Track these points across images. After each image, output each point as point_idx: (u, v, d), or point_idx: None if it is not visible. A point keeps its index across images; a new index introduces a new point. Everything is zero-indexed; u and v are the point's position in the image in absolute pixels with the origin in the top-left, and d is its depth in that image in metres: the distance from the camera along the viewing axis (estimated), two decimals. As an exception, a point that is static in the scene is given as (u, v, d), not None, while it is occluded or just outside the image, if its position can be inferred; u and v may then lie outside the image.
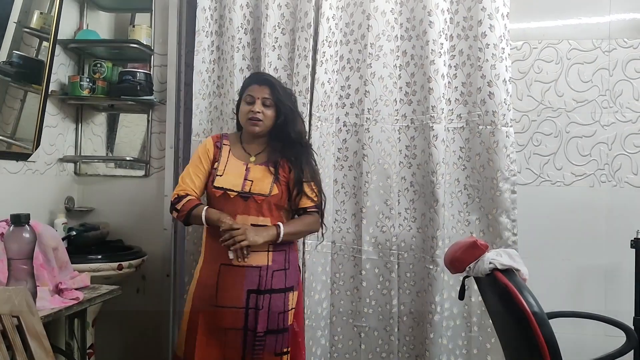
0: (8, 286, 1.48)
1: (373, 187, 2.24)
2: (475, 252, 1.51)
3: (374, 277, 2.25)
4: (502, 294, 1.43)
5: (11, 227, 1.49)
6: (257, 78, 2.01)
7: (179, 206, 1.88)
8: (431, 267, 2.16)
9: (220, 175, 1.90)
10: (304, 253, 2.21)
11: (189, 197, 1.90)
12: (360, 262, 2.25)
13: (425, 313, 2.18)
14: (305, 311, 2.14)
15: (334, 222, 2.28)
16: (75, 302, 1.74)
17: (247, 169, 1.92)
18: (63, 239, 2.22)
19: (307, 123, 2.20)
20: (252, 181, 1.89)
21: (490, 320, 2.12)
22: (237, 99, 2.20)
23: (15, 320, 1.34)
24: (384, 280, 2.24)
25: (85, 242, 2.34)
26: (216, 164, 1.94)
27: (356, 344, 2.26)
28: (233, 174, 1.91)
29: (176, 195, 1.91)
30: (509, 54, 2.17)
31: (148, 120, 2.60)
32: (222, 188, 1.89)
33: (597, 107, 2.36)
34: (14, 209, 2.01)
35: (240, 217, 1.86)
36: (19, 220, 1.49)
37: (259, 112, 1.91)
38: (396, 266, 2.24)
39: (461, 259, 1.53)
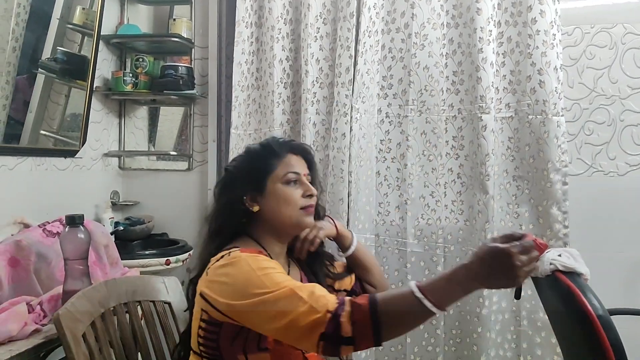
0: (65, 285, 1.50)
1: (417, 179, 2.20)
2: (534, 252, 1.47)
3: (419, 270, 2.21)
4: (563, 296, 1.39)
5: (67, 229, 1.50)
6: (292, 146, 1.37)
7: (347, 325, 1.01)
8: (479, 260, 2.11)
9: None
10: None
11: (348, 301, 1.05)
12: (405, 255, 2.22)
13: (473, 307, 2.14)
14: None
15: (377, 214, 2.25)
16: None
17: None
18: (111, 234, 2.25)
19: (349, 116, 2.16)
20: None
21: (540, 315, 2.10)
22: (276, 90, 2.13)
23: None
24: (429, 274, 2.20)
25: (132, 237, 2.38)
26: None
27: (401, 337, 2.23)
28: None
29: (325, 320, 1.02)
30: (560, 40, 2.08)
31: (190, 114, 2.60)
32: None
33: (654, 94, 2.25)
34: (63, 205, 2.06)
35: None
36: (74, 222, 1.50)
37: (315, 194, 1.32)
38: (442, 259, 2.20)
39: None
